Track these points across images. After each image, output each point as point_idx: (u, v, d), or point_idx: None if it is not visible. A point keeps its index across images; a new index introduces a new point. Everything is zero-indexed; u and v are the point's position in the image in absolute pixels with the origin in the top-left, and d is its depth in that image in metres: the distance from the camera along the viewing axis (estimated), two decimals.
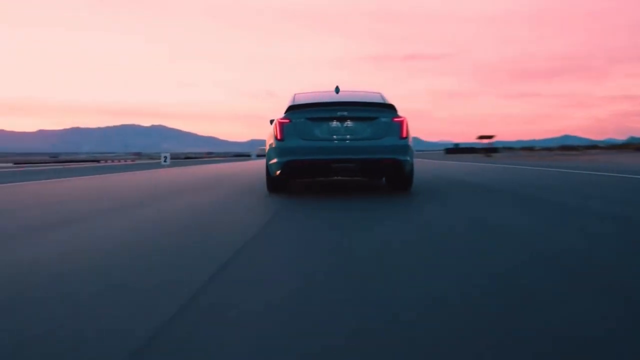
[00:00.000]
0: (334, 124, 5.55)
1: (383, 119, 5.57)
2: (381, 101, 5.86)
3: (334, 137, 5.53)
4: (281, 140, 5.57)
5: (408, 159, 5.61)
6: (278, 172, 5.64)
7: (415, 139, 6.50)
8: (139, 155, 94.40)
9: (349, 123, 5.54)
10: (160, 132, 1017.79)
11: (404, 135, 5.56)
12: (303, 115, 5.57)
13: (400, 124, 5.58)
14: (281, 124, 5.59)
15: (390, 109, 5.69)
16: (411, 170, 5.91)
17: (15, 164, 34.23)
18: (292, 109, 5.66)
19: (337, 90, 6.27)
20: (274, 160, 5.66)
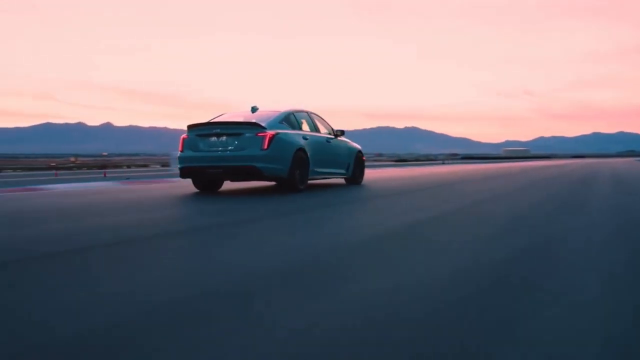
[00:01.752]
0: (213, 139, 6.99)
1: (248, 135, 6.85)
2: (251, 121, 7.07)
3: (213, 149, 6.96)
4: (181, 151, 7.19)
5: (269, 165, 6.74)
6: (180, 175, 7.27)
7: None
8: (379, 155, 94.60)
9: (223, 138, 6.93)
10: (413, 134, 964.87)
11: (265, 147, 6.75)
12: (194, 133, 7.14)
13: (263, 138, 6.78)
14: (182, 139, 7.24)
15: (256, 126, 6.88)
16: (282, 174, 6.88)
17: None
18: (189, 128, 7.23)
19: (252, 110, 7.81)
20: (178, 166, 7.29)
